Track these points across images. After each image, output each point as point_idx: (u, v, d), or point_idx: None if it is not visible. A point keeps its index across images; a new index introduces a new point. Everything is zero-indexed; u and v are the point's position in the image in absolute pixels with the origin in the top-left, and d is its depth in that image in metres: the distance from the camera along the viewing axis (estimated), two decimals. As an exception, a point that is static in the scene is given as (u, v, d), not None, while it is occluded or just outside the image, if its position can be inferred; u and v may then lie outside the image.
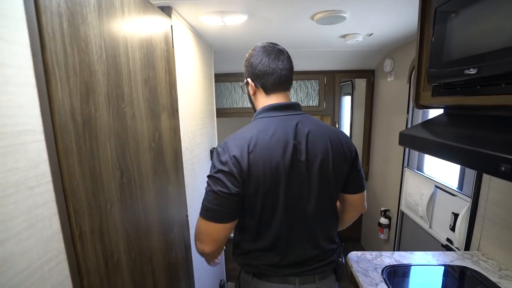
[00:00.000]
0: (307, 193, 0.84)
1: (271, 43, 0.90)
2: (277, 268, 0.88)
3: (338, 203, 1.00)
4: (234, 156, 0.77)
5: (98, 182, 0.64)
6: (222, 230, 0.81)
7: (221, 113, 2.57)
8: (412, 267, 1.12)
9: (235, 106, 2.58)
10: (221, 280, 2.13)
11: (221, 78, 2.52)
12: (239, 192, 0.79)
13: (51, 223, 0.51)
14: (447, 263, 1.13)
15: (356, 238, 2.84)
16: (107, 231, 0.67)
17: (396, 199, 1.98)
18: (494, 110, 0.73)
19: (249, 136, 0.80)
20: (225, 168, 0.77)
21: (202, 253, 0.87)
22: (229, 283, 2.39)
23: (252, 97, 0.93)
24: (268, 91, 0.88)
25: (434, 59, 0.86)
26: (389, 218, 2.10)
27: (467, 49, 0.72)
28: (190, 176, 1.38)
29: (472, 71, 0.68)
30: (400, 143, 0.96)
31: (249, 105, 2.51)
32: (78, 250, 0.57)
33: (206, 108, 1.74)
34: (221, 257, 1.18)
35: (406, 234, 1.88)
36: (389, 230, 2.11)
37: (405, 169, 1.88)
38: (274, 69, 0.85)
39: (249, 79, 0.90)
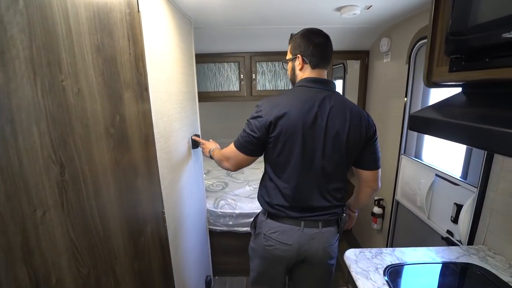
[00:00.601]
0: (321, 153, 1.02)
1: (317, 28, 1.10)
2: (287, 209, 1.07)
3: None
4: (267, 112, 1.01)
5: (18, 182, 0.46)
6: (246, 159, 1.10)
7: (205, 97, 2.37)
8: (416, 266, 1.00)
9: (220, 90, 2.37)
10: (207, 276, 2.00)
11: (204, 59, 2.31)
12: (262, 138, 1.03)
13: None
14: (453, 260, 1.02)
15: (346, 227, 2.76)
16: (37, 247, 0.50)
17: (391, 188, 1.88)
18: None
19: (284, 98, 1.03)
20: (257, 117, 1.02)
21: (226, 169, 1.17)
22: (216, 277, 2.27)
23: (297, 70, 1.11)
24: (314, 66, 1.08)
25: (457, 24, 0.70)
26: (383, 208, 2.00)
27: (506, 6, 0.56)
28: (166, 167, 1.20)
29: (516, 33, 0.52)
30: (412, 127, 0.81)
31: (236, 89, 2.34)
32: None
33: (186, 90, 1.54)
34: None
35: (401, 224, 1.79)
36: (383, 220, 2.02)
37: (401, 156, 1.77)
38: (324, 49, 1.07)
39: (299, 55, 1.08)
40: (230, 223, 2.04)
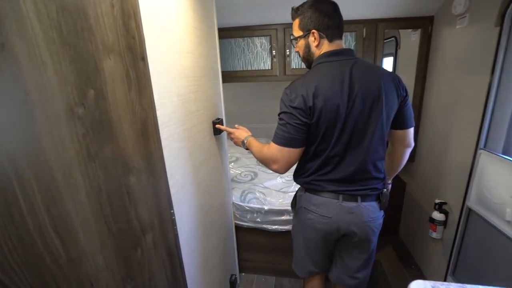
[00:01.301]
0: (362, 125, 0.99)
1: None
2: (325, 183, 1.06)
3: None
4: (302, 95, 0.96)
5: None
6: (297, 154, 1.04)
7: (232, 76, 2.11)
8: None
9: (249, 68, 2.09)
10: (232, 275, 1.81)
11: (231, 33, 2.03)
12: (308, 123, 0.98)
13: None
14: None
15: (393, 229, 2.39)
16: None
17: (460, 190, 1.48)
18: None
19: (313, 79, 0.98)
20: (295, 105, 0.96)
21: (275, 171, 1.08)
22: (243, 274, 2.09)
23: (313, 47, 1.06)
24: (331, 39, 1.03)
25: None
26: (446, 214, 1.61)
27: None
28: (177, 158, 0.98)
29: None
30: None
31: (267, 67, 2.05)
32: None
33: (205, 65, 1.29)
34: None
35: (474, 239, 1.40)
36: (444, 228, 1.64)
37: (480, 151, 1.35)
38: (338, 18, 1.03)
39: (314, 30, 1.02)
40: (258, 220, 1.81)
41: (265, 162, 1.10)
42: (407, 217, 2.25)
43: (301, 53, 1.11)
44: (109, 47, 0.63)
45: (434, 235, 1.67)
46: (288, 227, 1.77)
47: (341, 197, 1.05)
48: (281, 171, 1.06)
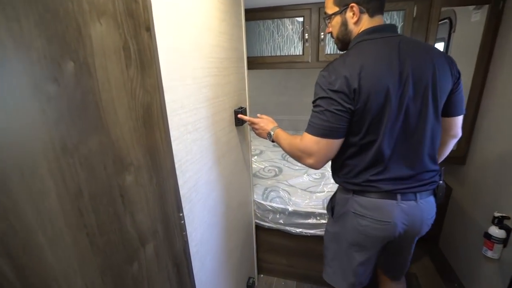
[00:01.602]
0: (415, 111, 0.86)
1: None
2: (379, 183, 0.92)
3: None
4: (345, 76, 0.81)
5: None
6: (336, 146, 0.89)
7: (259, 63, 1.93)
8: None
9: (277, 54, 1.90)
10: (249, 278, 1.69)
11: (260, 14, 1.84)
12: (351, 109, 0.84)
13: None
14: None
15: (432, 238, 2.12)
16: None
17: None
18: None
19: (357, 58, 0.84)
20: (336, 88, 0.82)
21: (309, 167, 0.93)
22: (261, 275, 1.96)
23: (351, 24, 0.93)
24: (373, 13, 0.91)
25: None
26: (508, 230, 1.34)
27: None
28: (190, 151, 0.84)
29: None
30: None
31: (298, 52, 1.84)
32: None
33: (228, 45, 1.13)
34: None
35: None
36: (504, 247, 1.37)
37: None
38: None
39: (353, 4, 0.90)
40: (281, 221, 1.65)
41: (297, 156, 0.96)
42: (451, 227, 1.97)
43: (335, 33, 0.98)
44: (100, 8, 0.48)
45: (489, 253, 1.40)
46: (314, 231, 1.59)
47: (399, 196, 0.93)
48: (318, 166, 0.92)
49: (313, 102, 0.88)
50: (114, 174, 0.53)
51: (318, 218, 1.56)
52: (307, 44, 1.81)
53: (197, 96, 0.88)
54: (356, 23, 0.92)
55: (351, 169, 0.95)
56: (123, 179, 0.56)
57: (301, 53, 1.85)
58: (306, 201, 1.64)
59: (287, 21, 1.83)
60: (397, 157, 0.90)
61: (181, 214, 0.80)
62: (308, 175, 1.98)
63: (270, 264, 1.90)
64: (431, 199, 0.99)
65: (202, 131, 0.93)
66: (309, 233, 1.60)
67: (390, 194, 0.93)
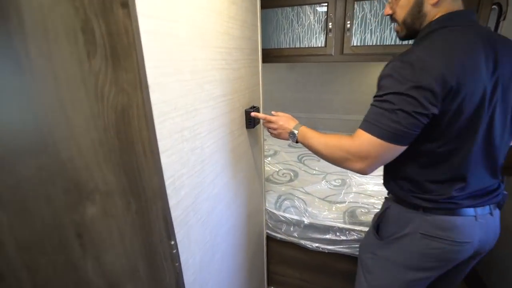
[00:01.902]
0: (500, 116, 0.76)
1: None
2: (460, 199, 0.80)
3: None
4: (439, 70, 0.65)
5: None
6: (397, 153, 0.75)
7: (277, 55, 1.74)
8: None
9: (297, 46, 1.70)
10: (258, 293, 1.53)
11: (279, 2, 1.64)
12: (435, 114, 0.68)
13: None
14: None
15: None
16: None
17: None
18: None
19: (448, 49, 0.69)
20: (423, 84, 0.65)
21: (356, 171, 0.79)
22: (272, 287, 1.81)
23: (428, 6, 0.75)
24: None
25: None
26: None
27: None
28: (186, 164, 0.68)
29: None
30: None
31: (319, 44, 1.63)
32: None
33: (240, 34, 0.95)
34: None
35: None
36: None
37: None
38: None
39: None
40: (295, 234, 1.47)
41: (340, 158, 0.80)
42: (496, 247, 1.72)
43: (402, 15, 0.81)
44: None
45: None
46: (333, 247, 1.41)
47: (478, 211, 0.81)
48: (367, 172, 0.79)
49: (380, 96, 0.72)
50: (65, 207, 0.38)
51: (337, 234, 1.37)
52: (330, 35, 1.60)
53: (197, 95, 0.71)
54: (435, 4, 0.75)
55: (422, 182, 0.81)
56: (81, 212, 0.40)
57: (323, 45, 1.64)
58: (325, 213, 1.45)
59: (308, 9, 1.62)
60: (479, 169, 0.79)
61: (172, 243, 0.64)
62: (326, 181, 1.79)
63: (282, 277, 1.75)
64: (498, 211, 0.87)
65: (204, 137, 0.76)
66: (327, 249, 1.42)
67: (470, 210, 0.81)
